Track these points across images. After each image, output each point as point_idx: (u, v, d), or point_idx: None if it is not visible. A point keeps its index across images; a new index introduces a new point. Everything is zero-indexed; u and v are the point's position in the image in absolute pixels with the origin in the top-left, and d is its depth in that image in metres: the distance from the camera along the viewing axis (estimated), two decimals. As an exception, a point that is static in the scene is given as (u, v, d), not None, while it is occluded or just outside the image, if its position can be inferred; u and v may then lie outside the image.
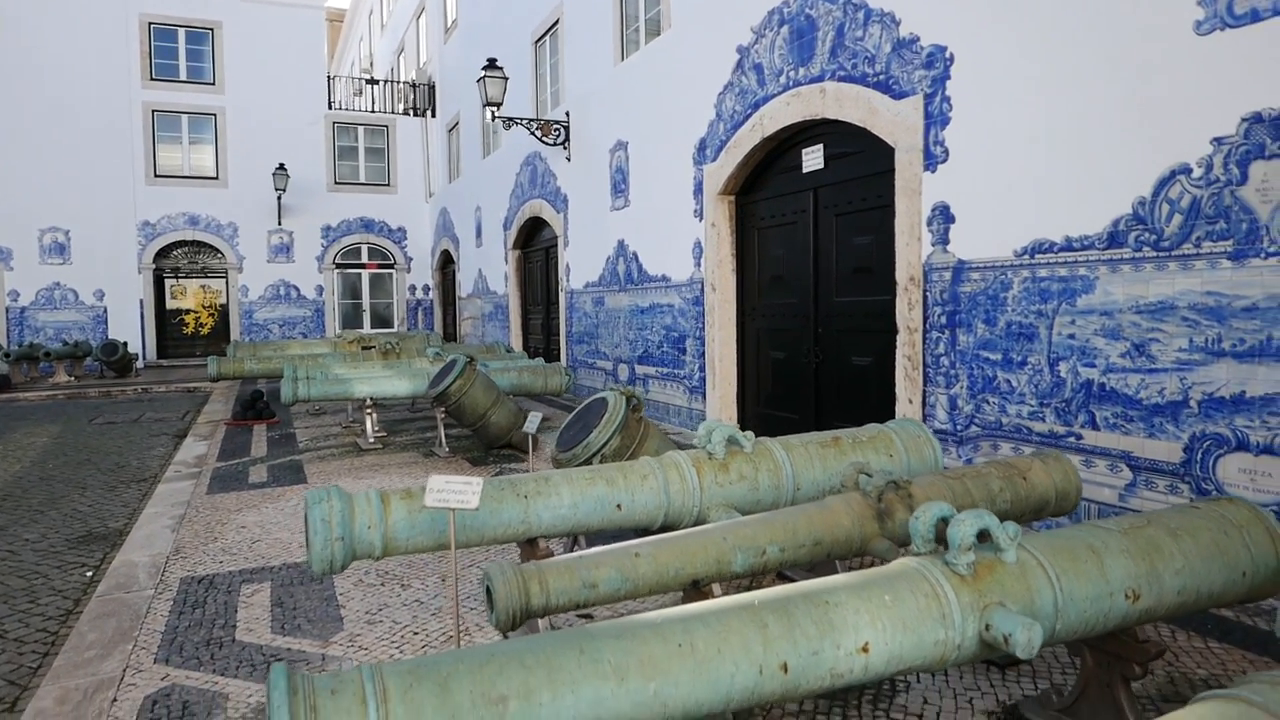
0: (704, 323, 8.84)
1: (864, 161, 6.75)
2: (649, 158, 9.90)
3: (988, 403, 5.48)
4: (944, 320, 5.81)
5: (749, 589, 2.92)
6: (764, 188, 8.17)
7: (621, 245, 10.65)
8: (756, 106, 7.74)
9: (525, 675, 1.79)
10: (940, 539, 2.41)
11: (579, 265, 12.07)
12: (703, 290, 8.83)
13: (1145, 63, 4.47)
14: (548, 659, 1.83)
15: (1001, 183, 5.32)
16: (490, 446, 8.21)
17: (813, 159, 7.36)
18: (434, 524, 3.27)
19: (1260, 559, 2.74)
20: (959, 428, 5.69)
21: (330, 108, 21.42)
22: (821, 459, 3.98)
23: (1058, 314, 5.00)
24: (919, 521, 2.42)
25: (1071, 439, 4.91)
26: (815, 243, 7.45)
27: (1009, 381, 5.33)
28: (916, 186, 5.97)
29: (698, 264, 8.90)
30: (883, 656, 2.12)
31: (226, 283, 20.69)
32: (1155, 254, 4.46)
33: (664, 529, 3.71)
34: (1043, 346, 5.11)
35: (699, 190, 8.80)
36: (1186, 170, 4.29)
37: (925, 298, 5.95)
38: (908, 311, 6.10)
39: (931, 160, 5.84)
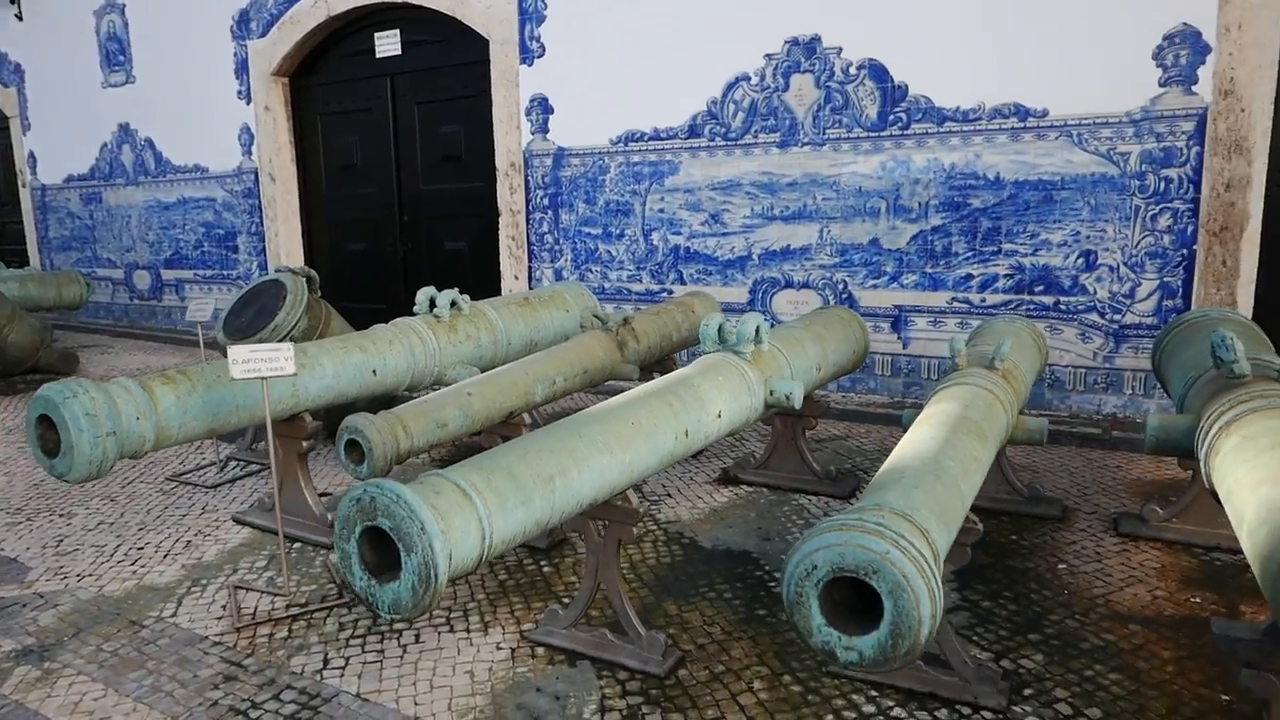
0: (262, 216, 8.21)
1: (450, 50, 6.98)
2: (163, 26, 8.52)
3: (591, 271, 6.42)
4: (546, 202, 6.53)
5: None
6: (328, 70, 7.81)
7: (126, 130, 9.06)
8: (318, -19, 7.31)
9: (556, 459, 2.07)
10: (721, 338, 3.17)
11: (54, 154, 9.87)
12: (257, 181, 8.15)
13: (713, -13, 5.63)
14: (564, 445, 2.13)
15: (597, 79, 6.13)
16: (8, 374, 6.66)
17: (388, 44, 7.31)
18: (207, 407, 2.97)
19: (858, 343, 4.09)
20: (567, 296, 6.55)
21: None
22: (522, 317, 4.44)
23: (649, 193, 6.08)
24: (708, 327, 3.14)
25: (665, 294, 6.12)
26: (395, 130, 7.48)
27: (609, 252, 6.33)
28: (514, 78, 6.48)
29: (248, 152, 8.15)
30: (726, 421, 2.83)
31: None
32: (725, 143, 5.74)
33: (408, 390, 3.85)
34: (638, 220, 6.17)
35: (243, 69, 7.99)
36: (746, 78, 5.60)
37: (527, 182, 6.58)
38: (510, 195, 6.67)
39: (528, 54, 6.39)
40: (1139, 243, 4.67)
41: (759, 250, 5.74)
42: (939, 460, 2.01)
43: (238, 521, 3.60)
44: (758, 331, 3.14)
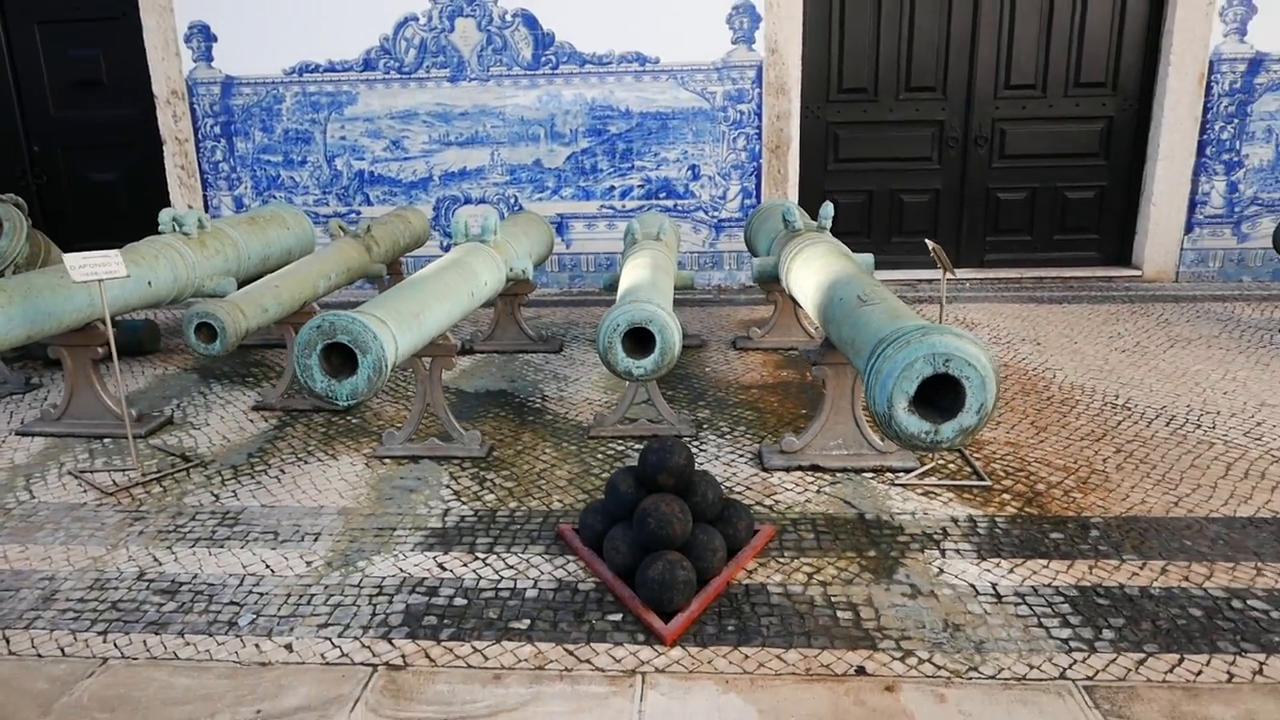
0: None
1: (79, -31, 6.62)
2: None
3: (275, 197, 6.78)
4: (218, 130, 6.69)
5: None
6: (-99, -21, 6.81)
7: None
8: (-117, -127, 6.36)
9: (416, 304, 3.00)
10: (466, 232, 4.17)
11: None
12: None
13: (376, -68, 6.25)
14: (415, 295, 3.05)
15: (263, 10, 6.41)
16: None
17: (-9, -45, 6.65)
18: (25, 314, 3.25)
19: (549, 237, 5.31)
20: (252, 222, 6.83)
21: None
22: (254, 233, 4.93)
23: (329, 121, 6.61)
24: (458, 223, 4.13)
25: (354, 215, 6.75)
26: (10, 53, 6.88)
27: (293, 178, 6.74)
28: (167, 4, 6.45)
29: None
30: (489, 289, 3.89)
31: None
32: (400, 76, 6.49)
33: (173, 302, 4.27)
34: (319, 148, 6.68)
35: None
36: (415, 18, 6.37)
37: (194, 110, 6.66)
38: (174, 124, 6.69)
39: (183, -20, 6.41)
40: (726, 159, 6.48)
41: (439, 172, 6.64)
42: (653, 281, 3.33)
43: (24, 434, 3.80)
44: (492, 229, 4.21)
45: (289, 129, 6.63)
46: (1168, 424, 3.70)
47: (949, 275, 3.22)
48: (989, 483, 3.14)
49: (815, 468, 3.27)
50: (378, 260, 4.72)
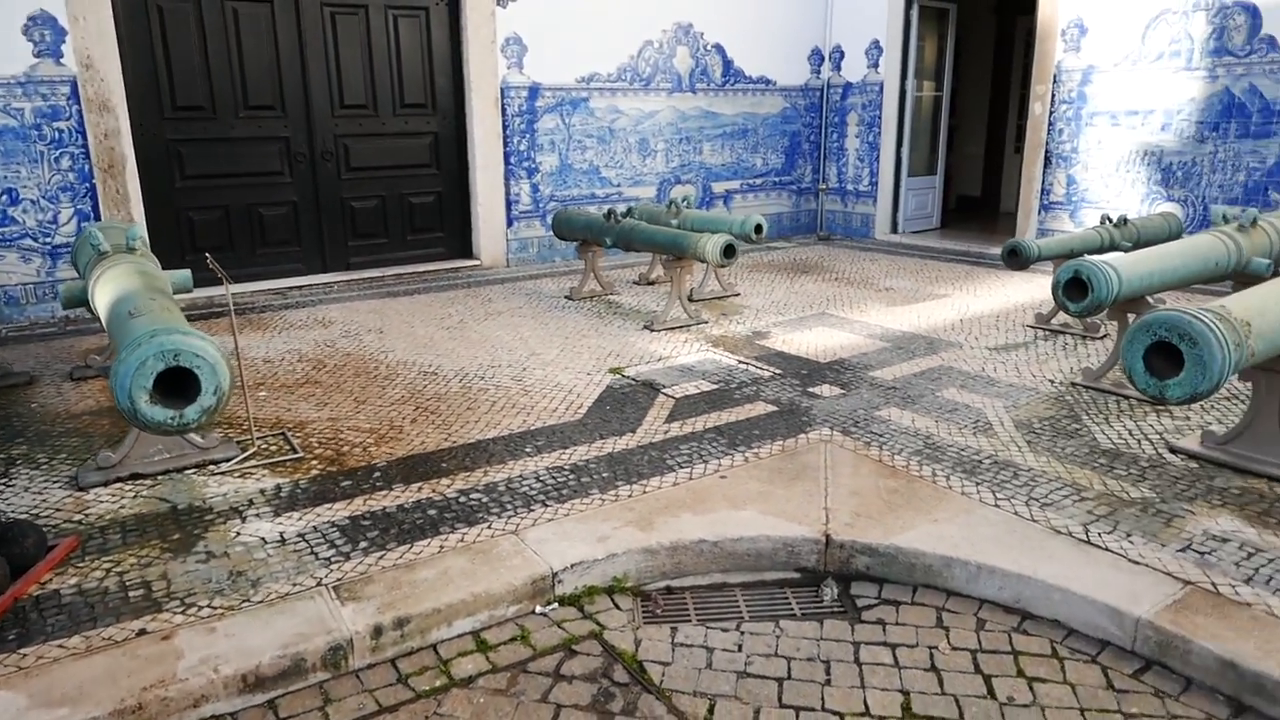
0: None
1: None
2: None
3: None
4: None
5: None
6: None
7: None
8: None
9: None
10: None
11: None
12: None
13: None
14: None
15: None
16: None
17: None
18: None
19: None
20: None
21: None
22: None
23: None
24: None
25: None
26: None
27: None
28: None
29: None
30: None
31: None
32: None
33: None
34: None
35: None
36: None
37: None
38: None
39: None
40: (51, 180, 6.03)
41: None
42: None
43: None
44: None
45: None
46: (461, 381, 4.70)
47: (229, 285, 3.65)
48: (301, 454, 3.68)
49: (135, 476, 3.45)
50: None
